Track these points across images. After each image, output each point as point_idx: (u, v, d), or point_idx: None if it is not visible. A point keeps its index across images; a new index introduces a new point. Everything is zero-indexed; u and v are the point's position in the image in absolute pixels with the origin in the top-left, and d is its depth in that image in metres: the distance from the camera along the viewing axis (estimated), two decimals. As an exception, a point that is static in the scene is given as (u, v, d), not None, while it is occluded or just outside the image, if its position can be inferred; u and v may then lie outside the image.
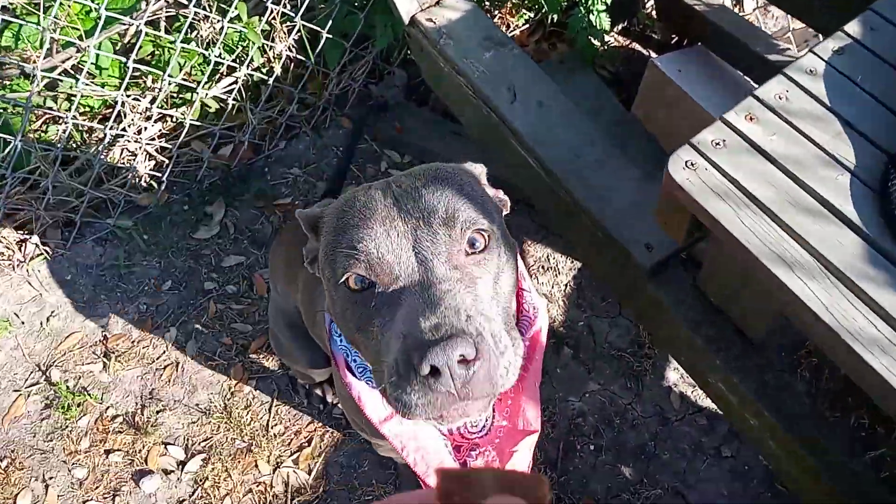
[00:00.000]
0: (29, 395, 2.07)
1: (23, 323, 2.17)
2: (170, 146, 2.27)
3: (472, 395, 0.72)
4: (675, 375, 1.99)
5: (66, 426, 2.02)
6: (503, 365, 0.75)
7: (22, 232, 2.26)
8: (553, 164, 1.66)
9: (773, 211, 1.08)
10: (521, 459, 1.17)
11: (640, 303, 1.70)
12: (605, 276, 1.85)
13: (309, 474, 1.92)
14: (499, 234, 0.87)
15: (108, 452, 1.97)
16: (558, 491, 1.84)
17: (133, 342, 2.15)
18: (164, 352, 2.13)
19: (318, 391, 2.01)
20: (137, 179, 2.31)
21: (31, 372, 2.11)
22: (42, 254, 2.26)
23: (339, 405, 1.95)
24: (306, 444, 1.96)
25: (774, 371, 1.48)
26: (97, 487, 1.93)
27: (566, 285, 2.15)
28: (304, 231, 1.00)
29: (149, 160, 2.32)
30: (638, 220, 1.61)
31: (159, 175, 2.29)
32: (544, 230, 2.20)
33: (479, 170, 0.99)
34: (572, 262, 2.18)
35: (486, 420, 1.16)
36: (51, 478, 1.94)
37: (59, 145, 2.04)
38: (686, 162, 1.15)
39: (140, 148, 2.27)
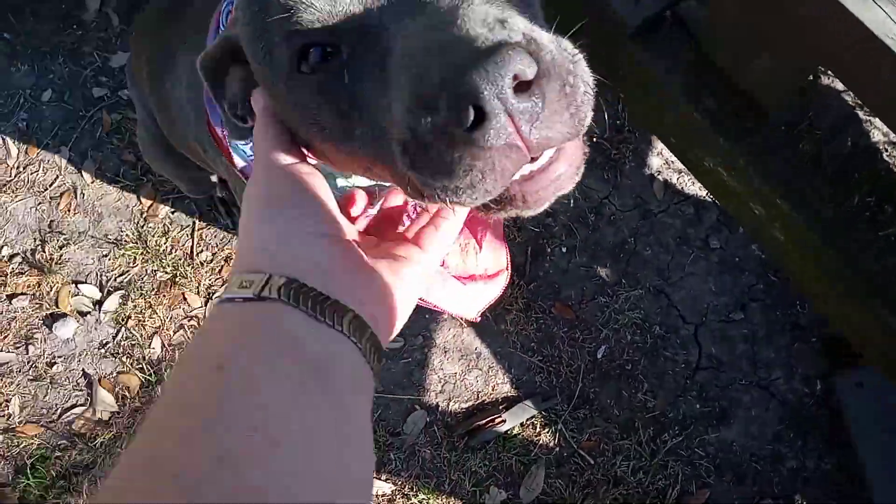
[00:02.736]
0: None
1: None
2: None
3: (550, 136, 0.42)
4: (659, 161, 1.72)
5: (-42, 271, 1.73)
6: (581, 81, 0.44)
7: None
8: None
9: None
10: (495, 236, 1.01)
11: (621, 72, 1.36)
12: (580, 44, 1.49)
13: (246, 303, 1.69)
14: None
15: (10, 297, 1.70)
16: (528, 299, 1.64)
17: (18, 168, 1.79)
18: (58, 176, 1.78)
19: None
20: (-21, -40, 1.79)
21: None
22: None
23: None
24: (239, 271, 1.71)
25: (789, 151, 1.20)
26: (5, 337, 1.68)
27: (530, 62, 1.78)
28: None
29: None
30: (622, -42, 1.22)
31: (6, -48, 1.78)
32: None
33: None
34: (537, 32, 1.79)
35: None
36: (-49, 329, 1.69)
37: None
38: None
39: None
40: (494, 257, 1.04)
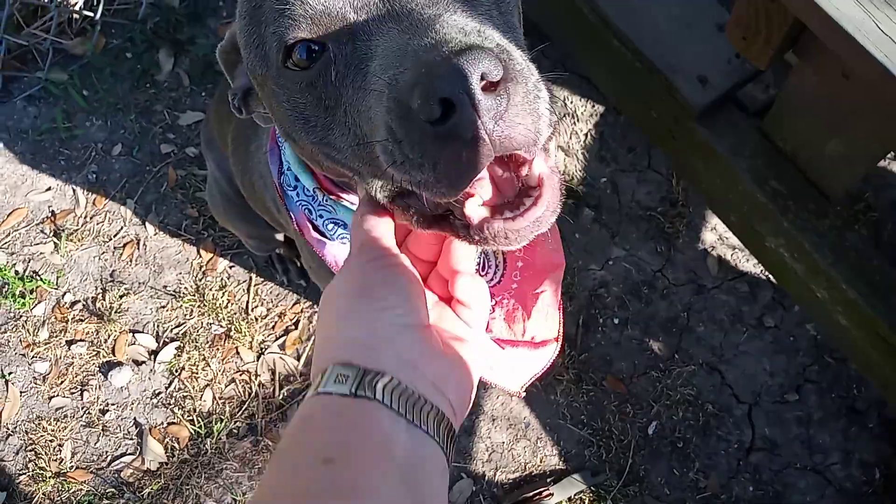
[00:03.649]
0: (-26, 282, 1.82)
1: (-46, 200, 1.87)
2: (98, -23, 1.85)
3: (512, 135, 0.46)
4: (713, 237, 1.72)
5: (21, 316, 1.78)
6: (542, 97, 0.49)
7: (-64, 92, 1.90)
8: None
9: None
10: (548, 303, 0.94)
11: (683, 150, 1.39)
12: (639, 119, 1.52)
13: (298, 360, 1.70)
14: None
15: (69, 343, 1.75)
16: (579, 370, 1.63)
17: (85, 218, 1.86)
18: (122, 227, 1.84)
19: (300, 263, 1.74)
20: (66, 21, 1.90)
21: (-27, 255, 1.84)
22: (-37, 117, 1.91)
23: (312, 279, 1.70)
24: (293, 327, 1.73)
25: (856, 234, 1.20)
26: (62, 382, 1.72)
27: (586, 135, 1.82)
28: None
29: (76, -4, 1.90)
30: (688, 43, 1.26)
31: (92, 15, 1.88)
32: (560, 66, 1.84)
33: None
34: (594, 106, 1.83)
35: (494, 264, 0.92)
36: (10, 373, 1.73)
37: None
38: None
39: (62, -19, 1.85)
40: (546, 325, 0.98)
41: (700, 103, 1.25)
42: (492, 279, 0.93)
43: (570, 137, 1.82)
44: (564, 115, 1.84)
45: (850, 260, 1.17)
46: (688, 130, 1.33)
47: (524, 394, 1.02)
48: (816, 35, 0.86)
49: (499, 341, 0.98)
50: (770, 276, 1.67)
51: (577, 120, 1.83)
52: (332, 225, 0.80)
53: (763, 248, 1.34)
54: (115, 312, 1.75)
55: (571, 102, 1.84)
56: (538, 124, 0.47)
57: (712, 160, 1.31)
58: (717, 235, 1.72)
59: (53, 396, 1.71)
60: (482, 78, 0.43)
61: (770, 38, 0.94)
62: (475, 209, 0.51)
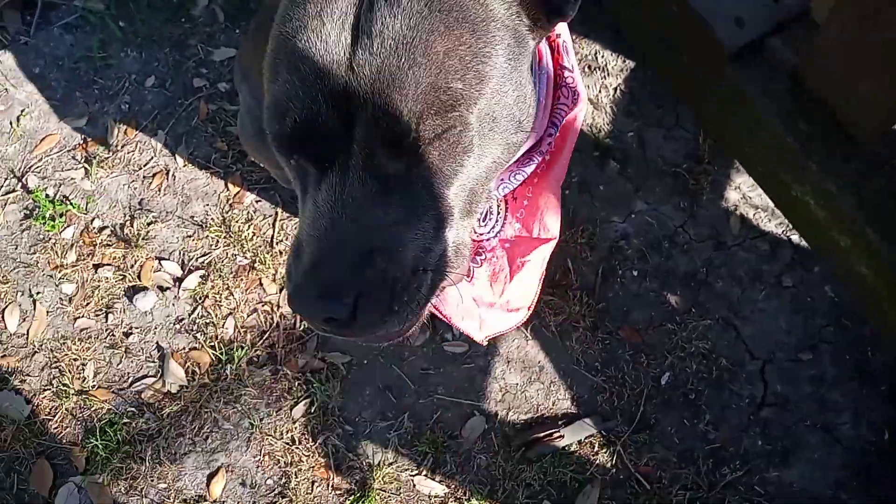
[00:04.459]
0: (6, 204, 1.85)
1: (-11, 122, 1.91)
2: None
3: (364, 334, 0.67)
4: (737, 195, 1.73)
5: (50, 238, 1.81)
6: (402, 303, 0.66)
7: (-25, 14, 1.92)
8: None
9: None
10: (531, 273, 1.00)
11: (712, 97, 1.39)
12: (669, 68, 1.52)
13: (318, 294, 1.73)
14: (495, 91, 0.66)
15: (96, 267, 1.78)
16: (595, 318, 1.65)
17: (116, 147, 1.88)
18: (153, 157, 1.87)
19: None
20: (105, -49, 1.92)
21: (6, 178, 1.88)
22: (1, 40, 1.94)
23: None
24: (315, 263, 1.76)
25: (883, 179, 1.20)
26: (87, 304, 1.75)
27: (615, 89, 1.82)
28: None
29: (117, -73, 1.91)
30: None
31: (131, -54, 1.90)
32: (590, 21, 1.84)
33: None
34: (624, 61, 1.83)
35: (496, 217, 0.97)
36: (38, 293, 1.77)
37: None
38: None
39: None
40: (523, 294, 1.04)
41: (735, 45, 1.25)
42: (491, 229, 0.97)
43: (600, 91, 1.82)
44: (594, 69, 1.84)
45: (873, 204, 1.18)
46: (719, 74, 1.33)
47: (485, 343, 1.07)
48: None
49: (477, 301, 1.01)
50: (792, 235, 1.67)
51: (608, 74, 1.83)
52: None
53: (788, 198, 1.35)
54: (143, 239, 1.79)
55: (602, 56, 1.84)
56: (387, 326, 0.65)
57: (742, 105, 1.31)
58: (740, 194, 1.72)
59: (79, 317, 1.75)
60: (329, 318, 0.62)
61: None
62: None
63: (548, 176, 0.92)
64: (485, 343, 1.05)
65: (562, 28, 0.87)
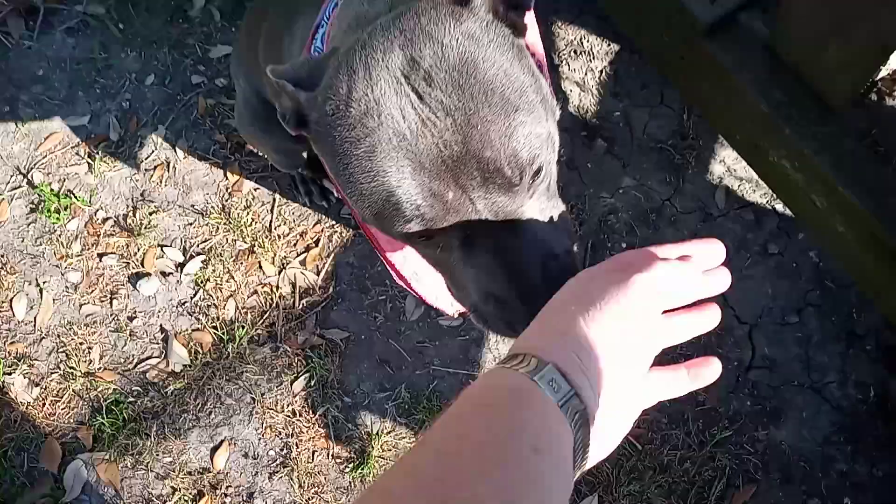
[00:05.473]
0: (12, 200, 1.91)
1: (-4, 121, 1.97)
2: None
3: None
4: (721, 168, 1.78)
5: (55, 230, 1.87)
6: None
7: (-19, 19, 2.00)
8: None
9: None
10: None
11: (692, 72, 1.45)
12: (652, 47, 1.58)
13: (317, 275, 1.78)
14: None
15: (101, 256, 1.84)
16: (586, 290, 1.70)
17: (118, 142, 1.95)
18: (153, 151, 1.93)
19: (322, 184, 1.82)
20: (105, -44, 2.00)
21: (12, 175, 1.94)
22: (6, 44, 2.01)
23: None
24: (313, 245, 1.81)
25: (853, 140, 1.25)
26: (93, 291, 1.81)
27: (601, 71, 1.88)
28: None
29: (116, -68, 1.99)
30: (698, -43, 1.32)
31: (130, -50, 1.98)
32: (576, 7, 1.90)
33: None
34: (609, 44, 1.90)
35: None
36: (44, 282, 1.83)
37: None
38: None
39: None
40: None
41: (708, 19, 1.31)
42: None
43: (586, 74, 1.89)
44: (580, 54, 1.90)
45: (847, 163, 1.23)
46: (697, 50, 1.39)
47: (457, 315, 1.12)
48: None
49: None
50: (776, 204, 1.72)
51: (593, 58, 1.90)
52: None
53: (766, 164, 1.40)
54: (145, 228, 1.84)
55: (588, 41, 1.91)
56: None
57: (719, 77, 1.37)
58: (725, 167, 1.78)
59: (84, 304, 1.80)
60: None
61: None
62: None
63: None
64: (456, 315, 1.09)
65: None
